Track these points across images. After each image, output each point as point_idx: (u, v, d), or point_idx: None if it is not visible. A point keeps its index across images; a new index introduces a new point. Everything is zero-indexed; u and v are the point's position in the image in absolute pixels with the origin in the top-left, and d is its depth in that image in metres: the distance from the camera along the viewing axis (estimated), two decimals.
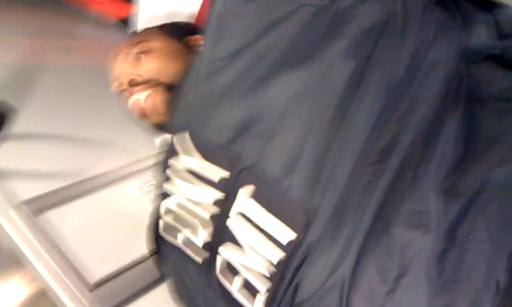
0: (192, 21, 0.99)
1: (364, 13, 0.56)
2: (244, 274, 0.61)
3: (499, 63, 0.61)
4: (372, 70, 0.55)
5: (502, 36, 0.61)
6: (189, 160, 0.65)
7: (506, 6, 0.63)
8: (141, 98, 0.75)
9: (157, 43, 0.78)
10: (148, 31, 0.85)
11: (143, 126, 0.81)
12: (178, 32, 0.82)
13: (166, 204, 0.70)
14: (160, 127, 0.78)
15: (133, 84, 0.75)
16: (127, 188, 0.92)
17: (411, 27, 0.56)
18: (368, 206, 0.53)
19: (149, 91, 0.74)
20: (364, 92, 0.55)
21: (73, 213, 0.83)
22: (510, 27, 0.62)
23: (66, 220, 0.81)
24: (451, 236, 0.52)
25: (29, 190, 0.80)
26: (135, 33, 0.92)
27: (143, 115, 0.77)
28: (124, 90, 0.78)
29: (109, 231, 0.84)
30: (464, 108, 0.56)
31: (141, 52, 0.77)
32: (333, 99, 0.55)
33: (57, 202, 0.83)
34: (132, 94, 0.76)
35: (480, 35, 0.60)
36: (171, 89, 0.73)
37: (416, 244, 0.52)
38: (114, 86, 0.81)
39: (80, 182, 0.87)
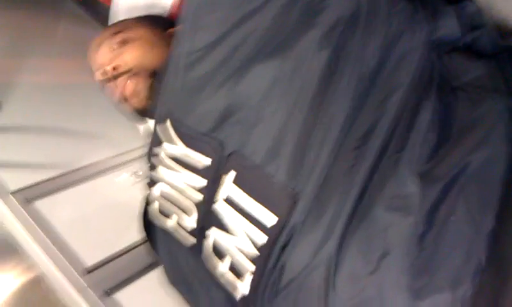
0: (168, 13, 0.99)
1: (334, 4, 0.58)
2: (231, 255, 0.63)
3: (468, 53, 0.63)
4: (344, 59, 0.57)
5: (469, 28, 0.64)
6: (173, 148, 0.67)
7: (471, 2, 0.67)
8: (122, 85, 0.76)
9: (138, 32, 0.79)
10: (129, 21, 0.85)
11: (125, 112, 0.82)
12: (159, 23, 0.83)
13: (153, 191, 0.72)
14: (142, 112, 0.79)
15: (115, 72, 0.76)
16: (117, 178, 0.94)
17: (378, 18, 0.59)
18: (351, 189, 0.55)
19: (130, 79, 0.76)
20: (338, 80, 0.57)
21: (66, 201, 0.85)
22: (476, 20, 0.65)
23: (58, 208, 0.83)
24: (432, 218, 0.53)
25: (22, 179, 0.82)
26: (114, 23, 0.92)
27: (124, 101, 0.78)
28: (107, 79, 0.79)
29: (101, 219, 0.87)
30: (438, 96, 0.58)
31: (123, 41, 0.77)
32: (310, 87, 0.57)
33: (51, 191, 0.85)
34: (114, 82, 0.77)
35: (448, 27, 0.62)
36: (153, 76, 0.74)
37: (397, 226, 0.53)
38: (97, 75, 0.81)
39: (72, 172, 0.89)
